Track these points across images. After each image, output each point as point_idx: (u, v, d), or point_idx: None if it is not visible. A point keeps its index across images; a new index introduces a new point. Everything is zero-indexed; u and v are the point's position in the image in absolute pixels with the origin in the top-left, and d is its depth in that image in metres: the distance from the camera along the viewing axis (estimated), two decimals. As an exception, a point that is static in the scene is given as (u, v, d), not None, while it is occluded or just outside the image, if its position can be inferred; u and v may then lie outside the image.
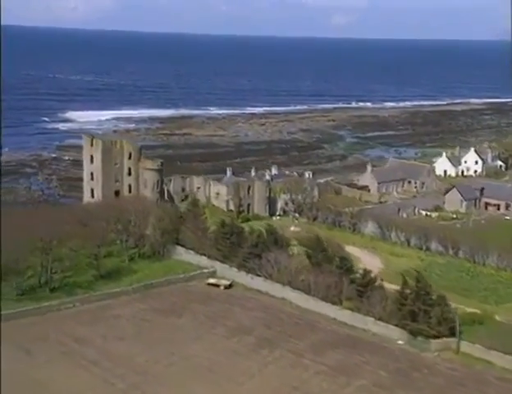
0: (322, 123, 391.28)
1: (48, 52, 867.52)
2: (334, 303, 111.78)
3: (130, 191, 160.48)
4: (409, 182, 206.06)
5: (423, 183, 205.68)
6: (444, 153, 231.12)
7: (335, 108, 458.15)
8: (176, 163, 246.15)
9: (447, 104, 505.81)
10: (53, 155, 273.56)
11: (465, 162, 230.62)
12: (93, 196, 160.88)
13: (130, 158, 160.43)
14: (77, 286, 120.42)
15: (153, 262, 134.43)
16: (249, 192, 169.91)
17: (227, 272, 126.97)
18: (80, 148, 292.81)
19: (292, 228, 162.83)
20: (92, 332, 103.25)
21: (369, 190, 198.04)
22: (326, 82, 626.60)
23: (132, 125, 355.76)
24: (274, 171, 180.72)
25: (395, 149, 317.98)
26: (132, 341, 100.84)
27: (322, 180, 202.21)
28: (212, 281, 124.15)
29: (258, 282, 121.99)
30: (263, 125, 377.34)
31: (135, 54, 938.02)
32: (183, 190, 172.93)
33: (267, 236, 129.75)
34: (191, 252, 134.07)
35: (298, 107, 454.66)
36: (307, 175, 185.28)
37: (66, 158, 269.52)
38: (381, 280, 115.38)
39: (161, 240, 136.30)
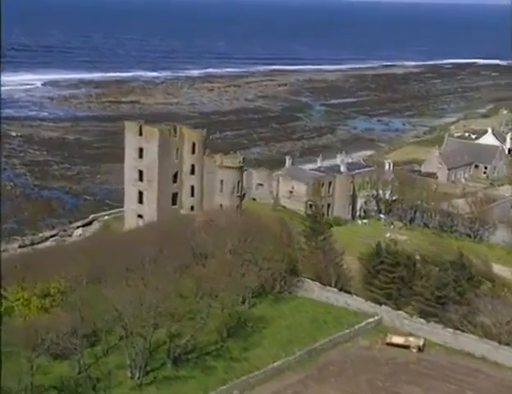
0: (274, 88, 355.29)
1: None
2: None
3: (192, 195, 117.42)
4: (476, 167, 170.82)
5: (495, 167, 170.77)
6: (490, 129, 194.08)
7: (272, 71, 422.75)
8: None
9: (384, 67, 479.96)
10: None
11: (511, 139, 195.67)
12: (141, 202, 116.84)
13: (193, 151, 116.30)
14: (204, 353, 79.13)
15: (274, 302, 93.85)
16: (329, 190, 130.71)
17: (404, 324, 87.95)
18: (21, 121, 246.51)
19: (388, 235, 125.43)
20: None
21: (437, 178, 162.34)
22: (243, 43, 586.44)
23: (68, 92, 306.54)
24: (344, 159, 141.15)
25: (377, 120, 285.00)
26: None
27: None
28: (396, 340, 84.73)
29: (465, 343, 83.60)
30: (212, 90, 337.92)
31: (29, 10, 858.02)
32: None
33: (460, 271, 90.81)
34: (332, 289, 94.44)
35: (234, 70, 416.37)
36: (387, 165, 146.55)
37: (14, 134, 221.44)
38: None
39: (277, 271, 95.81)
